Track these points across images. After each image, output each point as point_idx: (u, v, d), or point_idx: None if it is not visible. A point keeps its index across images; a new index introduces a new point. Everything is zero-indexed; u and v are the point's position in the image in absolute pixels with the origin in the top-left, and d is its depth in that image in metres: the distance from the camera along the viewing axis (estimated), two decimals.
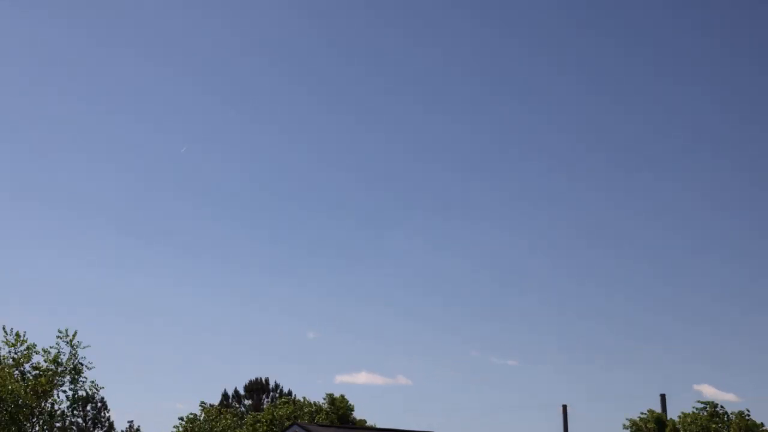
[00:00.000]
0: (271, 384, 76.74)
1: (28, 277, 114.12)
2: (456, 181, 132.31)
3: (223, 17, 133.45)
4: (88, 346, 37.92)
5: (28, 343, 37.30)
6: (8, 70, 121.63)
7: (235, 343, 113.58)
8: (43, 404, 36.32)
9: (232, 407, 67.47)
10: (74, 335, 37.48)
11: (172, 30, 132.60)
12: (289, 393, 76.68)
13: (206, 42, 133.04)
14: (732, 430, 51.79)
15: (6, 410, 34.29)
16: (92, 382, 38.04)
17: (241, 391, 74.52)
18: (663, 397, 61.36)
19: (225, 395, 74.70)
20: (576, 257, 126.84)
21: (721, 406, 53.78)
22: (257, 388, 74.36)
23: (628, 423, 56.12)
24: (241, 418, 56.41)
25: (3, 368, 36.15)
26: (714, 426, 52.14)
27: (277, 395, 76.36)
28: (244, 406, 72.68)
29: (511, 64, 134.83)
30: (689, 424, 53.15)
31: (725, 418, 52.85)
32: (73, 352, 37.54)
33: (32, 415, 35.19)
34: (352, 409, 57.97)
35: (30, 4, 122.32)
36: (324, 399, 59.02)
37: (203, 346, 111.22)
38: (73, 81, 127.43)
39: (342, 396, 58.90)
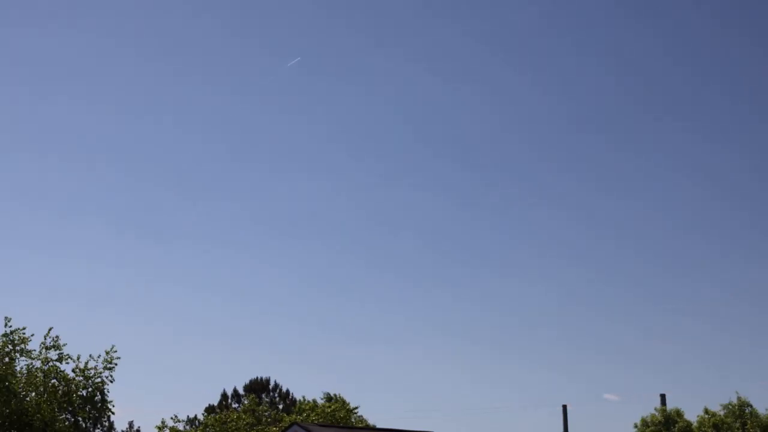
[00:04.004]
0: (272, 384, 76.55)
1: (27, 277, 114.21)
2: (458, 176, 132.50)
3: (226, 16, 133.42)
4: (116, 364, 38.33)
5: (63, 352, 37.41)
6: (9, 71, 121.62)
7: (237, 342, 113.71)
8: (63, 416, 36.33)
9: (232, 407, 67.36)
10: (114, 352, 37.96)
11: (170, 28, 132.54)
12: (287, 393, 76.51)
13: (203, 39, 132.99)
14: (749, 427, 51.35)
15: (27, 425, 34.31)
16: (110, 401, 38.41)
17: (241, 391, 74.36)
18: (663, 396, 61.33)
19: (224, 395, 74.50)
20: (578, 254, 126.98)
21: (751, 407, 53.19)
22: (257, 388, 74.14)
23: (639, 423, 55.99)
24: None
25: (30, 378, 36.18)
26: (737, 425, 51.70)
27: (277, 396, 76.17)
28: (243, 405, 72.38)
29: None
30: (707, 423, 52.77)
31: (750, 417, 52.22)
32: (107, 367, 37.82)
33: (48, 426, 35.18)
34: (351, 410, 57.61)
35: (28, 4, 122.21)
36: (322, 397, 58.77)
37: (204, 346, 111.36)
38: (72, 82, 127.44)
39: (339, 395, 58.58)
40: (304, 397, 59.92)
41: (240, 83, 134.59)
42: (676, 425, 54.11)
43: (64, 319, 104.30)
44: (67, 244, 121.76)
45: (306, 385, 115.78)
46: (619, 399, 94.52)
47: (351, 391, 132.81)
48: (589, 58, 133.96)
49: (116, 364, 38.26)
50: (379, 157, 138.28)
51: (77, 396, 37.08)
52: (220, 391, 74.92)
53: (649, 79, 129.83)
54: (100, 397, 37.95)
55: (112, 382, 38.23)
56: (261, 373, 77.09)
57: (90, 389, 37.65)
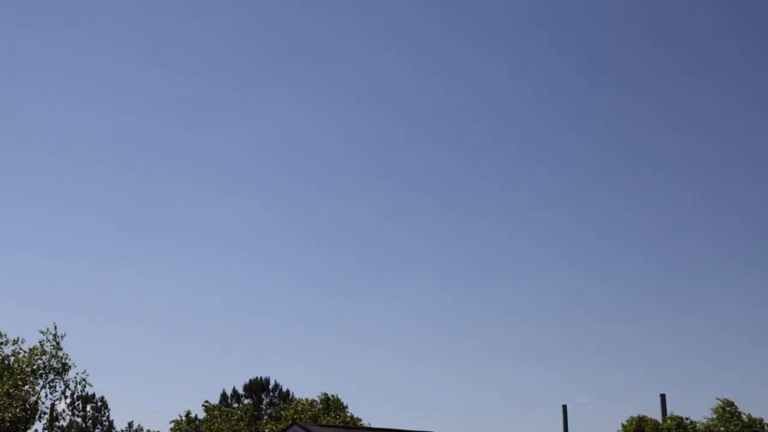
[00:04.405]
0: (271, 384, 76.51)
1: (26, 277, 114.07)
2: (457, 176, 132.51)
3: (225, 16, 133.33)
4: (64, 335, 38.51)
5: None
6: (11, 69, 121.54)
7: (237, 343, 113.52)
8: (24, 395, 36.59)
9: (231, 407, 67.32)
10: (56, 329, 38.13)
11: (173, 29, 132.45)
12: (287, 393, 76.46)
13: (203, 38, 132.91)
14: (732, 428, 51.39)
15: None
16: (83, 374, 38.51)
17: (240, 391, 74.35)
18: (663, 397, 61.22)
19: (224, 395, 74.47)
20: (578, 255, 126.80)
21: (734, 407, 53.16)
22: (257, 388, 74.11)
23: (625, 423, 56.08)
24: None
25: None
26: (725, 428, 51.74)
27: (276, 395, 76.13)
28: (243, 405, 72.40)
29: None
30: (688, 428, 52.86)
31: (738, 420, 52.20)
32: (57, 347, 37.98)
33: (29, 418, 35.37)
34: (344, 408, 57.48)
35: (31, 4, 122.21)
36: (318, 397, 58.71)
37: (203, 346, 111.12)
38: (74, 81, 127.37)
39: (336, 396, 58.50)
40: (312, 399, 59.69)
41: (241, 82, 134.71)
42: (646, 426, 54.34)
43: (62, 319, 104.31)
44: (66, 243, 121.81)
45: (306, 385, 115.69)
46: (591, 401, 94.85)
47: (350, 391, 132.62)
48: (590, 59, 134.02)
49: (63, 335, 38.62)
50: (378, 157, 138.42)
51: (46, 364, 37.45)
52: (220, 391, 74.97)
53: (650, 79, 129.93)
54: (63, 371, 38.24)
55: (68, 362, 38.48)
56: (261, 373, 77.11)
57: (56, 371, 37.98)
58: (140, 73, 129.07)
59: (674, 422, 53.22)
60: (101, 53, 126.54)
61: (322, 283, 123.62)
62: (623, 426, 55.82)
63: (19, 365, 37.83)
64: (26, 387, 37.67)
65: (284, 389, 76.67)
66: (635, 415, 56.05)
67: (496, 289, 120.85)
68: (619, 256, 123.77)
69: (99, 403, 39.64)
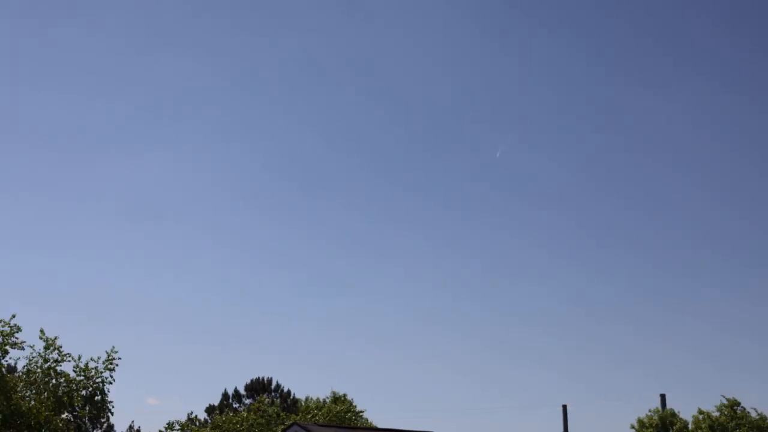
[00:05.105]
0: (273, 384, 76.51)
1: (25, 276, 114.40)
2: (457, 176, 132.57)
3: (225, 15, 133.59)
4: (117, 365, 38.24)
5: (62, 350, 37.36)
6: (11, 69, 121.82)
7: (237, 342, 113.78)
8: (63, 415, 36.33)
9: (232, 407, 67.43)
10: (114, 353, 37.85)
11: (173, 28, 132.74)
12: (288, 393, 76.47)
13: (206, 40, 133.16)
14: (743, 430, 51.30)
15: (23, 425, 34.31)
16: (111, 401, 38.38)
17: (242, 391, 74.35)
18: (663, 397, 61.35)
19: (225, 395, 74.46)
20: (578, 255, 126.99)
21: (742, 407, 53.21)
22: (258, 388, 74.11)
23: (636, 424, 55.98)
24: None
25: (30, 377, 36.18)
26: (731, 425, 51.68)
27: (278, 395, 76.16)
28: (244, 405, 72.52)
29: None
30: (701, 423, 52.76)
31: (744, 419, 52.21)
32: (108, 367, 37.75)
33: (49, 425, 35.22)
34: (352, 409, 57.58)
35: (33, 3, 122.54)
36: (328, 396, 58.77)
37: (204, 346, 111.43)
38: (74, 80, 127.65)
39: (344, 396, 58.65)
40: (308, 397, 59.76)
41: (241, 82, 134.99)
42: (674, 426, 54.13)
43: (63, 319, 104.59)
44: (66, 243, 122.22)
45: (307, 385, 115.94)
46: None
47: (351, 390, 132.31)
48: (590, 59, 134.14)
49: (117, 365, 38.25)
50: (378, 157, 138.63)
51: (78, 395, 37.08)
52: (221, 391, 74.98)
53: (651, 79, 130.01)
54: (100, 396, 37.99)
55: (112, 383, 38.24)
56: (261, 373, 77.16)
57: (90, 389, 37.69)
58: (140, 73, 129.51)
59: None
60: (101, 53, 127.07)
61: (323, 283, 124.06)
62: (640, 421, 55.69)
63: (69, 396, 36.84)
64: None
65: (286, 389, 76.69)
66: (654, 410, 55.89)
67: (496, 289, 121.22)
68: (619, 256, 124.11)
69: (100, 404, 39.56)
